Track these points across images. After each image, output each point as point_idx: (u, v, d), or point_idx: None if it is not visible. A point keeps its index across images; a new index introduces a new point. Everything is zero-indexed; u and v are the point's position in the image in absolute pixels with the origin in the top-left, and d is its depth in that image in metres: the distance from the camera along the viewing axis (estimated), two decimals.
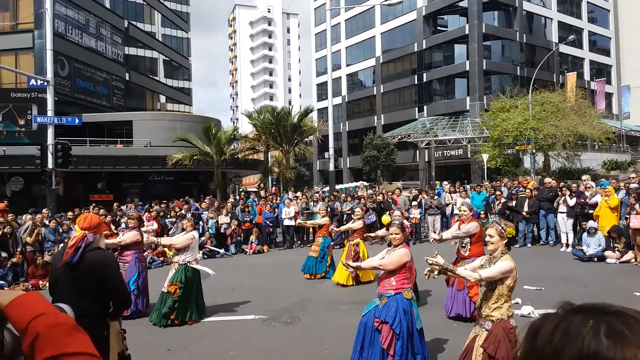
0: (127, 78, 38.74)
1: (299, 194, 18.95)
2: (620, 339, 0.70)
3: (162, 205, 18.27)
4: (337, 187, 28.76)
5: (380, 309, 4.62)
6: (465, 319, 6.57)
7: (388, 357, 4.49)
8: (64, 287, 3.53)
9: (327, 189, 27.12)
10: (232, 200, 18.13)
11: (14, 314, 1.14)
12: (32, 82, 18.48)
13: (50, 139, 16.30)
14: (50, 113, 16.71)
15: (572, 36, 34.90)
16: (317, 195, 18.31)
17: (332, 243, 10.87)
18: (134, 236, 8.03)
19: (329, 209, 13.28)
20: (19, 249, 11.70)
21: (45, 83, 16.96)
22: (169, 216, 15.56)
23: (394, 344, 4.48)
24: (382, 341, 4.48)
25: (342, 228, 11.04)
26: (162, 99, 45.44)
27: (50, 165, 15.71)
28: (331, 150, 23.83)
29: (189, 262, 7.30)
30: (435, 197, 16.12)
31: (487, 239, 4.11)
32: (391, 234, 4.98)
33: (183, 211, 14.41)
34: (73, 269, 3.54)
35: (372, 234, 9.68)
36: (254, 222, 16.15)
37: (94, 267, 3.59)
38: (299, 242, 16.31)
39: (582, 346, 0.71)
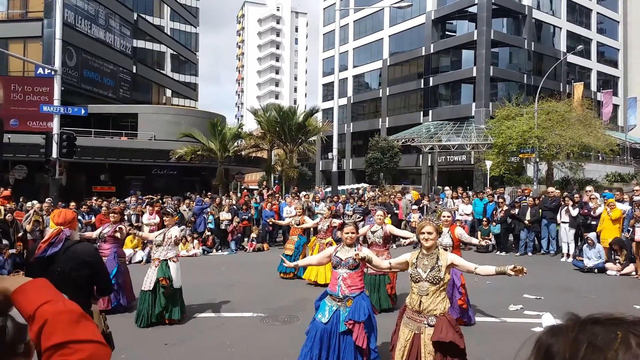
0: (134, 71, 38.82)
1: (303, 193, 18.96)
2: None
3: (165, 199, 18.30)
4: (340, 188, 28.74)
5: (349, 311, 4.54)
6: None
7: (363, 356, 4.50)
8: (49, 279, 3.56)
9: (329, 189, 27.10)
10: (247, 197, 18.11)
11: (21, 300, 1.14)
12: (40, 70, 18.48)
13: (55, 129, 16.32)
14: (56, 102, 16.72)
15: (580, 46, 34.77)
16: (318, 195, 18.30)
17: (306, 242, 11.00)
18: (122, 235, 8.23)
19: (304, 209, 13.44)
20: (20, 235, 11.73)
21: (53, 72, 16.97)
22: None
23: (367, 339, 4.51)
24: (354, 339, 4.45)
25: (304, 225, 11.05)
26: (168, 92, 45.52)
27: (54, 154, 15.71)
28: (335, 151, 23.79)
29: (170, 258, 7.07)
30: (440, 201, 16.12)
31: (425, 236, 4.05)
32: (346, 233, 4.92)
33: (170, 208, 14.42)
34: (56, 262, 3.60)
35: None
36: (255, 217, 16.22)
37: (84, 258, 3.69)
38: None
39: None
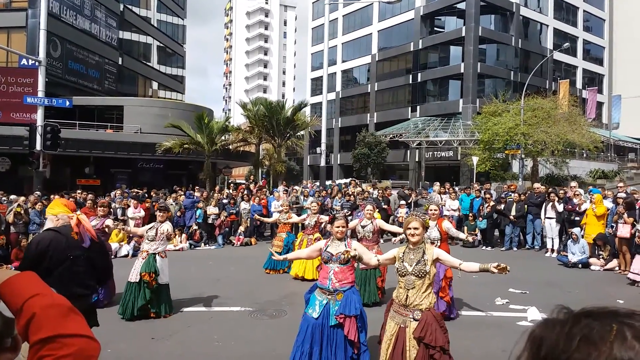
0: (120, 62, 38.30)
1: (295, 187, 18.96)
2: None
3: (154, 193, 18.16)
4: (328, 182, 28.71)
5: (340, 304, 4.59)
6: None
7: (354, 348, 4.54)
8: (76, 268, 3.70)
9: (317, 184, 27.10)
10: (228, 191, 18.04)
11: (9, 293, 1.11)
12: (24, 61, 18.17)
13: (39, 120, 16.08)
14: (40, 94, 16.48)
15: (567, 44, 35.09)
16: (307, 189, 18.28)
17: (294, 240, 11.04)
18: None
19: (291, 205, 13.53)
20: (3, 229, 11.57)
21: (37, 63, 16.70)
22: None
23: (358, 334, 4.56)
24: (346, 333, 4.50)
25: (291, 220, 11.12)
26: (155, 85, 44.99)
27: (38, 146, 15.49)
28: (323, 146, 23.76)
29: (158, 253, 7.04)
30: (427, 196, 16.20)
31: (412, 231, 4.13)
32: (337, 227, 4.97)
33: (164, 204, 14.34)
34: (87, 249, 3.74)
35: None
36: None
37: (101, 246, 3.98)
38: None
39: (610, 353, 0.66)
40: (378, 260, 4.53)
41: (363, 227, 7.93)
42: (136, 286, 6.83)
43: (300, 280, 9.42)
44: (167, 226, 7.14)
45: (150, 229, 7.19)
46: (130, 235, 9.99)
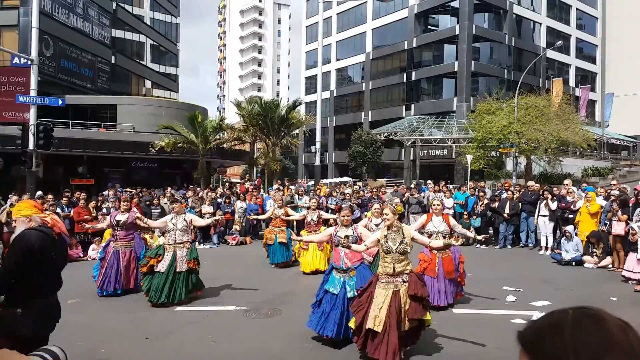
0: (113, 61, 38.12)
1: (292, 187, 18.93)
2: (598, 318, 0.92)
3: (144, 192, 18.08)
4: (323, 181, 28.72)
5: (356, 280, 5.74)
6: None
7: None
8: (57, 265, 3.85)
9: (312, 182, 27.09)
10: (222, 190, 17.97)
11: None
12: (16, 60, 18.02)
13: (32, 120, 15.95)
14: (33, 93, 16.33)
15: (560, 42, 35.25)
16: (302, 188, 18.26)
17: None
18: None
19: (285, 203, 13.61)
20: None
21: (29, 62, 16.56)
22: (154, 204, 15.31)
23: None
24: None
25: (290, 218, 11.37)
26: (148, 84, 44.80)
27: (31, 146, 15.36)
28: (318, 145, 23.73)
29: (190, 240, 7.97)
30: (417, 194, 16.18)
31: (384, 217, 5.31)
32: (343, 216, 6.16)
33: (179, 196, 14.31)
34: (64, 247, 4.09)
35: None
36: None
37: (67, 244, 4.27)
38: None
39: (572, 329, 0.90)
40: (366, 246, 5.46)
41: (377, 225, 8.05)
42: (184, 274, 7.63)
43: (311, 274, 9.74)
44: (191, 215, 8.22)
45: (172, 219, 7.85)
46: (150, 228, 10.41)
